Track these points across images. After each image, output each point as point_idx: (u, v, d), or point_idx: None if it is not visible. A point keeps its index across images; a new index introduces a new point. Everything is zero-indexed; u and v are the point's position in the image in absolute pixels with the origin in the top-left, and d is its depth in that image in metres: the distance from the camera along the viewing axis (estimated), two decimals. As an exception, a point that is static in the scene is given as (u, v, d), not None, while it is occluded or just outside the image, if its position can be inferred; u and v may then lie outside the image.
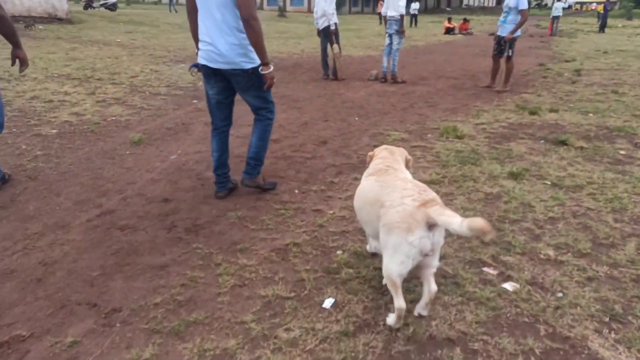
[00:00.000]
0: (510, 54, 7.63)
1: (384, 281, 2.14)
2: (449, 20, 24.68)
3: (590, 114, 6.04)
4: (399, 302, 1.95)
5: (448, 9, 66.55)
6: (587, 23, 35.55)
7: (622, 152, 4.48)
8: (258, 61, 2.95)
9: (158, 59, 10.59)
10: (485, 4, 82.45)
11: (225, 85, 3.09)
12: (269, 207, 3.28)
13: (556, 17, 23.42)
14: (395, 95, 7.48)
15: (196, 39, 3.07)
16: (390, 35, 8.45)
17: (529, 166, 4.07)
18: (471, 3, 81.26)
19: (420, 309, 2.12)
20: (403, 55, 13.14)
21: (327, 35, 8.64)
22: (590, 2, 60.81)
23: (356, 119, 5.90)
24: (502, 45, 7.72)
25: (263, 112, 3.25)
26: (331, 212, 3.20)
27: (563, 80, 8.91)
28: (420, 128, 5.44)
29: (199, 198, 3.41)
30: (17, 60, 3.37)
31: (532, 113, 6.02)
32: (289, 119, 5.78)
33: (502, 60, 7.75)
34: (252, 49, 2.91)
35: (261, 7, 59.15)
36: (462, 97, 7.42)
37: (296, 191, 3.56)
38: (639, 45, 16.67)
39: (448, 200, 3.37)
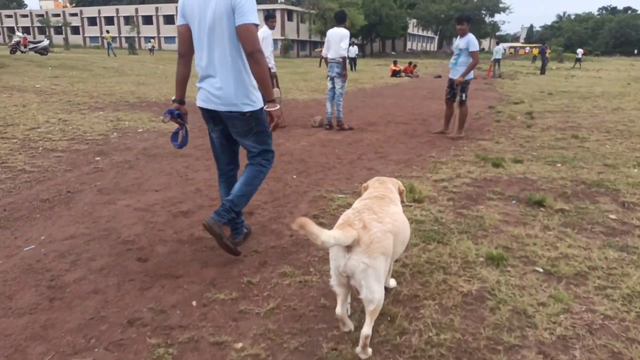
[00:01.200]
0: (463, 97, 7.01)
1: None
2: (395, 63, 24.86)
3: (559, 164, 5.35)
4: (337, 309, 2.01)
5: (393, 52, 69.04)
6: (524, 65, 37.37)
7: (612, 216, 3.69)
8: (259, 104, 2.78)
9: (74, 106, 9.30)
10: (428, 49, 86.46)
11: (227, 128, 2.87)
12: (141, 342, 2.12)
13: (497, 60, 24.09)
14: (341, 145, 6.59)
15: (180, 85, 2.85)
16: (332, 79, 7.66)
17: (509, 243, 3.16)
18: (414, 47, 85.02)
19: (357, 350, 1.98)
20: (350, 99, 12.54)
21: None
22: (524, 47, 64.89)
23: (294, 177, 4.89)
24: (455, 89, 7.10)
25: (259, 158, 2.93)
26: (239, 346, 2.08)
27: (518, 124, 8.41)
28: (370, 188, 4.50)
29: (30, 329, 2.20)
30: None
31: (496, 165, 5.26)
32: (210, 179, 4.69)
33: (455, 105, 7.11)
34: (253, 91, 2.75)
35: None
36: (415, 145, 6.64)
37: (194, 303, 2.43)
38: (579, 86, 17.07)
39: (414, 308, 2.36)
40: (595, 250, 3.04)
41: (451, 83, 7.17)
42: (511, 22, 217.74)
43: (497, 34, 78.06)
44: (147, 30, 68.06)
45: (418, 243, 3.15)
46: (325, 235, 1.74)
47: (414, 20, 74.93)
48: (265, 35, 7.43)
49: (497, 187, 4.49)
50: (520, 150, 6.15)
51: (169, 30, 67.80)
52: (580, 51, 36.70)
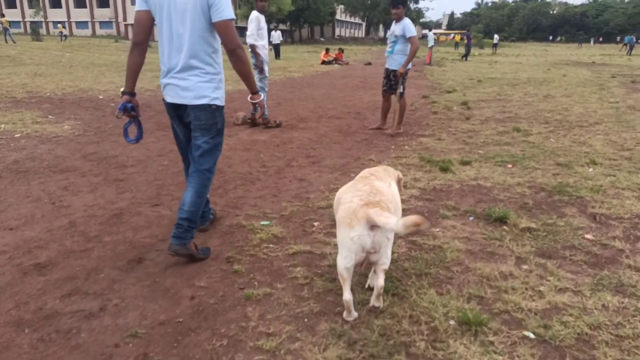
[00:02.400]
0: (402, 90, 6.32)
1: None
2: (327, 51, 23.96)
3: (510, 165, 4.80)
4: (345, 294, 2.10)
5: (322, 39, 68.37)
6: (448, 52, 38.20)
7: (588, 235, 3.11)
8: (223, 101, 2.73)
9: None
10: (356, 35, 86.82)
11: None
12: None
13: (430, 47, 24.12)
14: (268, 148, 5.66)
15: (132, 76, 2.69)
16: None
17: (482, 289, 2.43)
18: (343, 34, 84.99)
19: (372, 300, 2.23)
20: (278, 90, 11.55)
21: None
22: (448, 33, 66.88)
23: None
24: (392, 80, 6.38)
25: (205, 163, 2.77)
26: None
27: (456, 116, 7.91)
28: (302, 209, 3.63)
29: None
30: None
31: (444, 169, 4.60)
32: (93, 205, 3.59)
33: (396, 98, 6.41)
34: (221, 86, 2.71)
35: (127, 37, 54.71)
36: (351, 145, 5.86)
37: None
38: (504, 72, 17.27)
39: None
40: (587, 293, 2.39)
41: (388, 74, 6.44)
42: (434, 9, 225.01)
43: (421, 20, 79.94)
44: (56, 15, 61.92)
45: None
46: (392, 221, 1.93)
47: (342, 6, 74.66)
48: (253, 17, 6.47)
49: (450, 200, 3.80)
50: (466, 149, 5.57)
51: (81, 15, 62.25)
52: (496, 37, 38.19)
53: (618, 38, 71.31)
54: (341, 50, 24.78)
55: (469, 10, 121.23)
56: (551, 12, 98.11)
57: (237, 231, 3.20)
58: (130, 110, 2.72)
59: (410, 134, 6.49)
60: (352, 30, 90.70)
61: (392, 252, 2.75)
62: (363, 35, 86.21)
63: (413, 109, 8.86)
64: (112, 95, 9.53)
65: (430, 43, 24.10)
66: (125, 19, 57.78)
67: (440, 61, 25.01)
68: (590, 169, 4.61)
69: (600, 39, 76.98)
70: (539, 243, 3.01)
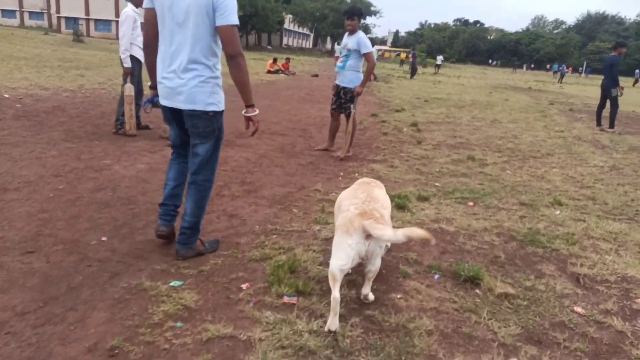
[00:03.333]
0: (353, 109, 5.70)
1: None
2: (275, 61, 23.13)
3: (471, 203, 4.28)
4: (335, 293, 2.12)
5: (269, 47, 67.56)
6: (394, 68, 38.75)
7: (578, 309, 2.56)
8: (222, 107, 2.67)
9: None
10: (304, 45, 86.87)
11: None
12: None
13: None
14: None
15: (153, 73, 2.71)
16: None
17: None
18: (291, 43, 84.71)
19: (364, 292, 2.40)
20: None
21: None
22: (396, 50, 68.35)
23: (103, 239, 3.01)
24: (343, 99, 5.75)
25: (203, 174, 2.73)
26: None
27: (407, 139, 7.43)
28: (228, 262, 2.84)
29: None
30: None
31: (400, 206, 3.98)
32: None
33: (351, 120, 5.77)
34: (219, 91, 2.63)
35: (59, 30, 50.93)
36: (294, 169, 5.13)
37: None
38: (449, 93, 17.35)
39: None
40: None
41: (338, 91, 5.81)
42: (381, 26, 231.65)
43: (368, 36, 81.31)
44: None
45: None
46: (388, 233, 2.10)
47: (290, 16, 74.37)
48: (128, 15, 5.71)
49: (411, 251, 3.15)
50: (421, 180, 5.01)
51: (7, 2, 57.41)
52: (440, 58, 39.18)
53: (548, 66, 76.32)
54: (288, 60, 24.09)
55: (413, 29, 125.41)
56: (488, 38, 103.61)
57: (134, 299, 2.35)
58: (157, 103, 2.76)
59: (361, 159, 5.87)
60: (300, 41, 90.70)
61: (341, 338, 2.03)
62: (311, 47, 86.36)
63: (362, 128, 8.31)
64: (21, 95, 8.20)
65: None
66: (58, 11, 53.88)
67: (386, 77, 25.03)
68: (557, 212, 4.17)
69: (532, 66, 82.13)
70: (522, 319, 2.41)
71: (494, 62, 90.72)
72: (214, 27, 2.47)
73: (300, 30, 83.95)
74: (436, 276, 2.84)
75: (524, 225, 3.76)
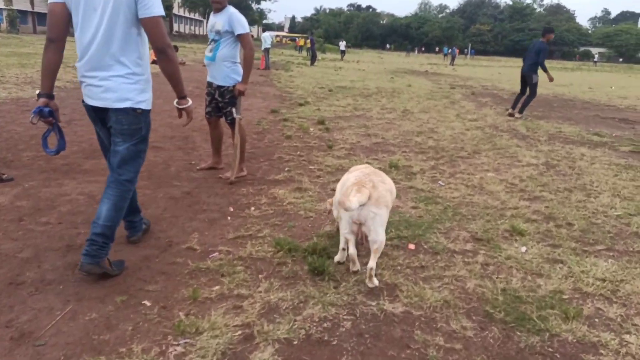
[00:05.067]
0: (237, 115, 4.24)
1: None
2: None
3: (412, 247, 3.08)
4: (351, 249, 2.57)
5: (158, 34, 62.49)
6: (293, 55, 37.44)
7: None
8: (149, 105, 2.50)
9: None
10: (197, 32, 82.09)
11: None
12: None
13: (267, 50, 22.41)
14: (2, 222, 3.05)
15: (49, 76, 2.41)
16: None
17: None
18: (182, 30, 79.58)
19: (367, 282, 2.53)
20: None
21: None
22: (292, 37, 66.76)
23: None
24: (220, 100, 4.26)
25: (125, 173, 2.49)
26: None
27: (315, 143, 6.13)
28: None
29: None
30: None
31: (318, 271, 2.63)
32: None
33: (237, 129, 4.30)
34: (146, 88, 2.48)
35: None
36: (161, 210, 3.57)
37: None
38: (352, 80, 16.45)
39: None
40: None
41: (212, 90, 4.30)
42: (276, 11, 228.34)
43: (264, 22, 79.06)
44: None
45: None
46: (354, 204, 2.32)
47: (179, 0, 69.51)
48: None
49: (346, 380, 1.83)
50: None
51: None
52: (343, 43, 38.50)
53: (437, 49, 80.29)
54: (175, 48, 21.62)
55: (309, 15, 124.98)
56: (381, 22, 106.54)
57: None
58: (48, 115, 2.42)
59: (259, 179, 4.44)
60: (193, 27, 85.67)
61: None
62: (205, 33, 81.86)
63: (261, 130, 6.86)
64: None
65: (266, 45, 22.36)
66: None
67: (286, 65, 23.64)
68: (523, 249, 3.12)
69: (423, 49, 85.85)
70: None
71: (388, 46, 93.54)
72: (136, 19, 2.31)
73: (192, 15, 78.98)
74: None
75: (493, 285, 2.62)
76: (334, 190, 4.18)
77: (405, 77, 19.92)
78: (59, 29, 2.33)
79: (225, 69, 4.12)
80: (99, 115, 2.48)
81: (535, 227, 3.53)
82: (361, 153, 5.71)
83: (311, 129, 7.08)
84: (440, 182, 4.64)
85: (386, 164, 5.17)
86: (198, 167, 4.75)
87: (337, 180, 4.34)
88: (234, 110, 4.18)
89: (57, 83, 2.97)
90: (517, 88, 9.99)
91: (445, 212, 3.77)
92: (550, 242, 3.27)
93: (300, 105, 9.65)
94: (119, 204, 2.47)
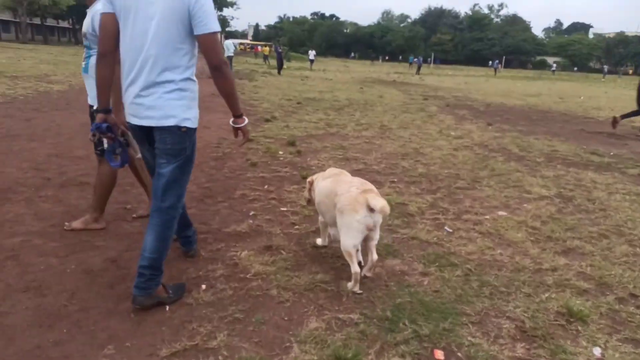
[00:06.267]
0: (109, 146, 3.11)
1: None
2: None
3: (440, 357, 2.09)
4: (355, 267, 2.52)
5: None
6: (257, 63, 36.27)
7: None
8: (196, 124, 2.35)
9: None
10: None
11: None
12: None
13: (230, 57, 21.23)
14: None
15: (104, 91, 2.39)
16: None
17: None
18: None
19: (365, 271, 2.68)
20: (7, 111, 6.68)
21: None
22: (256, 45, 65.36)
23: None
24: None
25: (167, 199, 2.32)
26: None
27: (286, 173, 5.09)
28: None
29: None
30: None
31: None
32: None
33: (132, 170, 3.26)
34: (193, 106, 2.34)
35: None
36: (78, 285, 2.43)
37: None
38: (321, 91, 15.53)
39: None
40: None
41: (91, 113, 3.20)
42: (239, 18, 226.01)
43: (227, 29, 77.44)
44: None
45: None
46: (385, 205, 2.43)
47: None
48: None
49: None
50: (329, 291, 2.69)
51: None
52: (312, 52, 37.61)
53: (400, 57, 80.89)
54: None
55: (272, 23, 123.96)
56: (345, 31, 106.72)
57: None
58: (106, 130, 2.48)
59: (214, 233, 3.35)
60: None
61: None
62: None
63: (220, 155, 5.77)
64: None
65: (229, 53, 21.12)
66: None
67: (250, 74, 22.50)
68: (597, 351, 2.18)
69: (387, 58, 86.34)
70: None
71: (352, 55, 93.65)
72: (188, 35, 2.20)
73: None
74: None
75: None
76: (315, 247, 3.16)
77: (375, 87, 19.18)
78: (110, 42, 2.26)
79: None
80: (143, 134, 2.36)
81: (594, 304, 2.60)
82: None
83: (280, 152, 6.03)
84: (446, 227, 3.69)
85: (376, 202, 4.18)
86: (135, 215, 3.62)
87: (318, 230, 3.34)
88: (106, 143, 2.98)
89: None
90: (489, 98, 9.30)
91: (467, 281, 2.80)
92: (625, 333, 2.34)
93: (267, 121, 8.58)
94: (163, 234, 2.34)
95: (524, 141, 7.85)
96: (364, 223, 2.44)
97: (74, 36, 56.65)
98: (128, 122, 2.37)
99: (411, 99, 14.76)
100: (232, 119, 2.41)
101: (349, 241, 2.48)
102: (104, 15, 2.24)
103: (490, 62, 47.09)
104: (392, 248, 3.24)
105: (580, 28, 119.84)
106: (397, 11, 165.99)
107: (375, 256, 2.61)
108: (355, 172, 5.22)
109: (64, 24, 52.79)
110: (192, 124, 2.32)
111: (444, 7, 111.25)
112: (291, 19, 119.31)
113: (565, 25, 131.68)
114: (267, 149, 6.16)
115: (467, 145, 7.24)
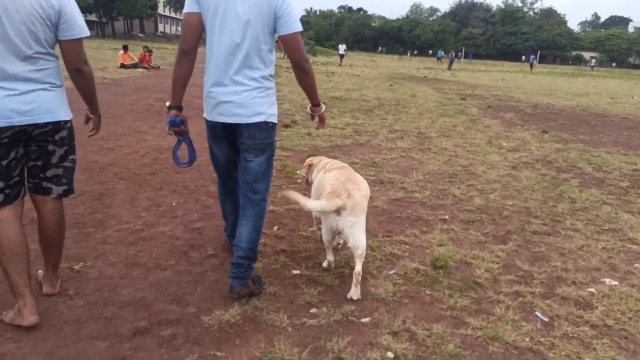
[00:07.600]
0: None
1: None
2: (125, 49, 18.03)
3: None
4: (329, 256, 2.72)
5: (141, 35, 60.00)
6: (281, 58, 35.13)
7: None
8: (276, 118, 2.46)
9: None
10: (183, 33, 79.40)
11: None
12: None
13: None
14: None
15: (181, 87, 2.41)
16: None
17: None
18: (167, 30, 77.00)
19: (351, 292, 2.48)
20: None
21: None
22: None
23: None
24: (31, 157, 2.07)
25: (259, 191, 2.44)
26: None
27: (302, 210, 3.92)
28: None
29: None
30: None
31: None
32: None
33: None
34: (275, 102, 2.44)
35: None
36: None
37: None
38: (348, 89, 14.26)
39: None
40: None
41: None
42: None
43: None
44: None
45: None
46: (312, 205, 2.44)
47: (164, 0, 66.99)
48: None
49: None
50: None
51: None
52: (342, 47, 36.11)
53: (430, 52, 78.49)
54: (149, 51, 19.19)
55: (299, 17, 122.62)
56: (373, 25, 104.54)
57: None
58: (180, 124, 2.49)
59: (193, 326, 2.22)
60: (178, 28, 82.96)
61: None
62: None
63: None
64: None
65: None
66: None
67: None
68: None
69: (415, 52, 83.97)
70: None
71: (380, 49, 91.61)
72: (272, 35, 2.33)
73: (178, 15, 76.21)
74: None
75: None
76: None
77: (405, 84, 17.80)
78: (192, 40, 2.33)
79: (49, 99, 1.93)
80: (227, 132, 2.42)
81: None
82: (377, 225, 3.52)
83: (298, 173, 4.87)
84: (538, 313, 2.46)
85: (427, 267, 2.97)
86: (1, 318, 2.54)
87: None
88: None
89: None
90: (533, 98, 7.90)
91: None
92: None
93: (286, 126, 7.43)
94: (257, 225, 2.45)
95: (594, 156, 6.47)
96: (328, 224, 2.50)
97: (100, 30, 56.78)
98: (208, 121, 2.42)
99: (447, 99, 13.37)
100: (309, 106, 2.63)
101: (323, 235, 2.66)
102: (188, 14, 2.29)
103: (524, 57, 44.72)
104: (464, 362, 2.04)
105: (619, 21, 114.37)
106: (426, 4, 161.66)
107: (357, 268, 2.46)
108: (393, 203, 4.04)
109: (91, 17, 52.87)
110: (275, 119, 2.44)
111: (475, 0, 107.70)
112: (318, 13, 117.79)
113: (602, 19, 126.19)
114: (282, 167, 5.01)
115: (527, 162, 5.92)
